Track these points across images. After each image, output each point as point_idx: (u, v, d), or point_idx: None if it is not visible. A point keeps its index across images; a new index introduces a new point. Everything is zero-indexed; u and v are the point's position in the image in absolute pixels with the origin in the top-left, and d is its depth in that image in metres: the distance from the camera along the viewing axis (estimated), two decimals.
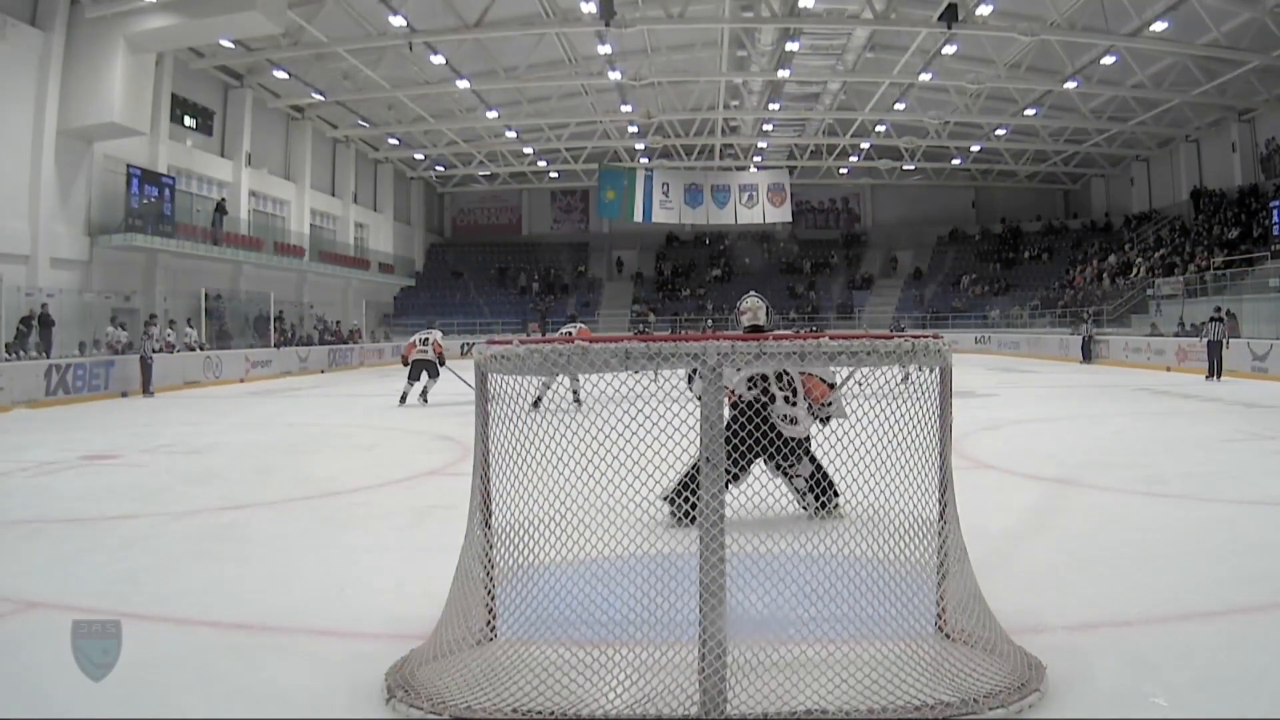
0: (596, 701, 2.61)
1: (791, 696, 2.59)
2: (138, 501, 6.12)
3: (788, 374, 4.60)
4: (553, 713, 2.55)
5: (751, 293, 5.53)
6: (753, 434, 3.77)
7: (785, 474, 4.25)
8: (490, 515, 3.06)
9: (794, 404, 4.60)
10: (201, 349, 20.97)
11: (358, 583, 4.05)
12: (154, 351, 16.79)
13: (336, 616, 3.59)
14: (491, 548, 3.04)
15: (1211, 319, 16.89)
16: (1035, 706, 2.61)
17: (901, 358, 2.78)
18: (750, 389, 4.58)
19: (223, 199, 25.47)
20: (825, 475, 4.50)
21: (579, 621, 2.96)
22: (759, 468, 3.85)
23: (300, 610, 3.66)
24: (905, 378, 3.03)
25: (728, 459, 4.15)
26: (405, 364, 13.42)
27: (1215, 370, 16.35)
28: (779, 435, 4.26)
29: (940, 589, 3.04)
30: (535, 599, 3.01)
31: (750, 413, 4.06)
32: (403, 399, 13.20)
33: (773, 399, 4.56)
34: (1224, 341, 16.42)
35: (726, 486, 4.22)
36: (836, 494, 4.46)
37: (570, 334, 12.70)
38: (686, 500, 4.08)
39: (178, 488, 6.65)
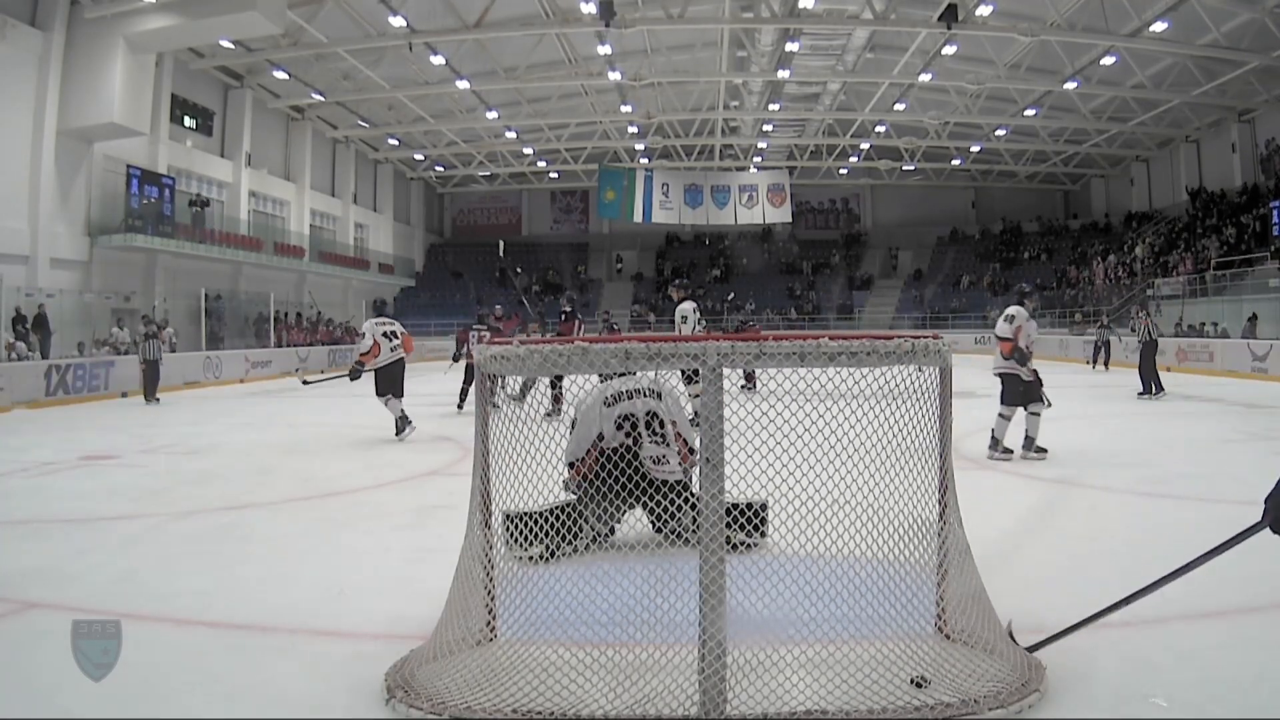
0: (596, 701, 2.60)
1: (791, 696, 2.58)
2: (138, 501, 6.11)
3: (658, 417, 4.35)
4: (553, 713, 2.54)
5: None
6: (624, 480, 3.76)
7: (663, 521, 3.98)
8: (490, 515, 3.06)
9: (664, 445, 4.30)
10: (202, 349, 20.96)
11: (358, 583, 4.04)
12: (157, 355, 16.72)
13: (336, 616, 3.58)
14: (491, 548, 3.04)
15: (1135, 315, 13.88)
16: (1035, 706, 2.61)
17: (902, 358, 2.77)
18: (619, 429, 4.30)
19: (198, 194, 24.92)
20: (739, 509, 4.08)
21: (579, 621, 2.95)
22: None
23: (300, 610, 3.65)
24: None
25: (600, 508, 4.10)
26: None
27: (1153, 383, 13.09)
28: (650, 481, 4.08)
29: (940, 589, 3.03)
30: (535, 599, 3.01)
31: (619, 458, 3.94)
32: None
33: (639, 441, 4.25)
34: (1156, 342, 13.42)
35: (606, 536, 4.19)
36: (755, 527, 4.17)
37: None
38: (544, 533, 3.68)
39: (178, 488, 6.63)
